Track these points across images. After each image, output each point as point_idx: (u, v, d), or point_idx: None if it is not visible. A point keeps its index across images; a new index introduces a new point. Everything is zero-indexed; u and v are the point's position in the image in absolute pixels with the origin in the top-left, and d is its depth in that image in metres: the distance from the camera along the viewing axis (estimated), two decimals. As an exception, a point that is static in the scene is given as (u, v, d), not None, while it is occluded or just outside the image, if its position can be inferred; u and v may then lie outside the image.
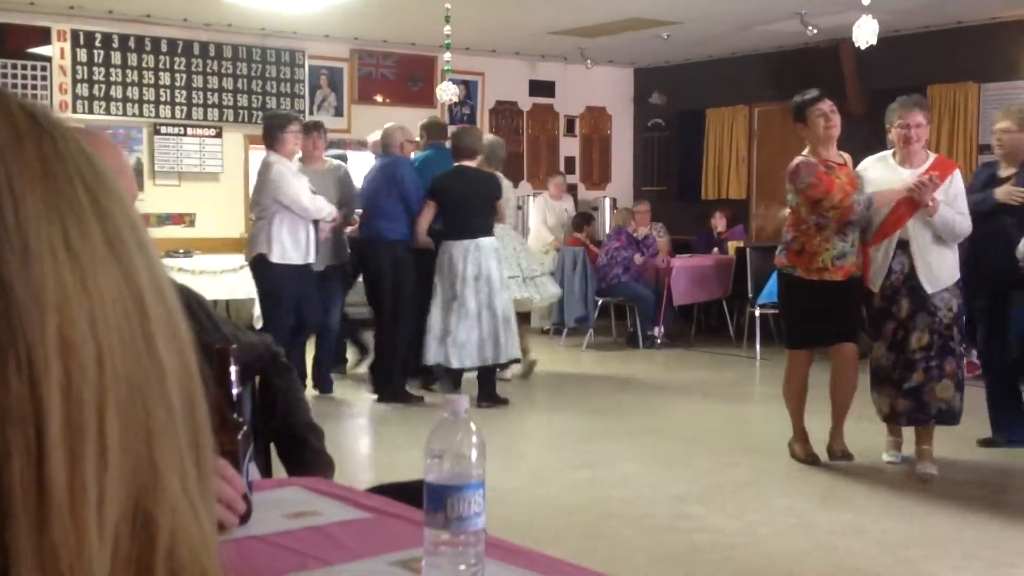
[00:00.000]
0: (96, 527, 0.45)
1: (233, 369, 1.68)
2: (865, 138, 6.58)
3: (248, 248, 6.67)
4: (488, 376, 6.88)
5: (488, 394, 6.84)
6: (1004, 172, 5.51)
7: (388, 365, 6.96)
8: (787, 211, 5.37)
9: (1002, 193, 5.36)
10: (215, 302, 7.56)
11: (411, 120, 10.02)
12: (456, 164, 6.88)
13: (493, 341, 6.75)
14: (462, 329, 6.70)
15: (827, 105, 5.09)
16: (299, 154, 6.86)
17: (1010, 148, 5.45)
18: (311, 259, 6.54)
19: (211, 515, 0.52)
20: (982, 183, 5.57)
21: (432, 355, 6.77)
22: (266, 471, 2.43)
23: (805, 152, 5.18)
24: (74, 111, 9.19)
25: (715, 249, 10.44)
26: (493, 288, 6.77)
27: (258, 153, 10.08)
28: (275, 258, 6.41)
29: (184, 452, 0.50)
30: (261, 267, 6.49)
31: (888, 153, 5.19)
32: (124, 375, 0.47)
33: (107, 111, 9.46)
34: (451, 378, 6.93)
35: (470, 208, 6.73)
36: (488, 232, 6.84)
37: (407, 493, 1.83)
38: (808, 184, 5.02)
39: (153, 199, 9.51)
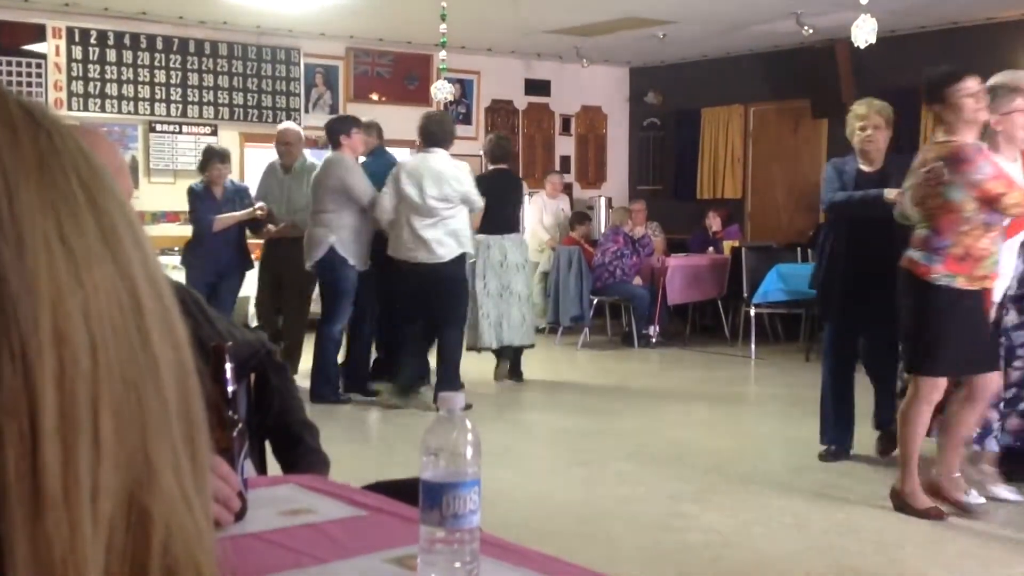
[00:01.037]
0: (90, 519, 0.45)
1: (229, 366, 1.68)
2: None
3: (445, 246, 6.58)
4: (519, 355, 7.83)
5: (516, 371, 7.78)
6: (869, 168, 5.23)
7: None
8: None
9: (896, 193, 4.81)
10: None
11: (406, 119, 10.04)
12: (494, 167, 7.61)
13: (530, 323, 7.77)
14: (515, 311, 7.58)
15: (974, 83, 4.29)
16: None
17: (882, 146, 5.22)
18: None
19: (206, 510, 0.52)
20: (851, 182, 5.23)
21: (488, 339, 7.55)
22: (261, 469, 2.43)
23: (944, 138, 4.35)
24: (69, 108, 9.18)
25: (710, 249, 10.45)
26: (529, 276, 7.89)
27: (255, 151, 10.14)
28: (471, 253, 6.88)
29: (179, 446, 0.50)
30: (460, 263, 6.71)
31: (983, 145, 4.47)
32: (118, 368, 0.47)
33: (102, 108, 9.46)
34: (507, 358, 7.74)
35: (507, 207, 7.57)
36: (519, 228, 7.93)
37: (403, 491, 1.83)
38: (989, 176, 4.16)
39: (148, 197, 9.51)
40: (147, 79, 9.70)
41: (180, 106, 9.88)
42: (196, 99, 9.96)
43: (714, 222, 10.79)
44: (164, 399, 0.49)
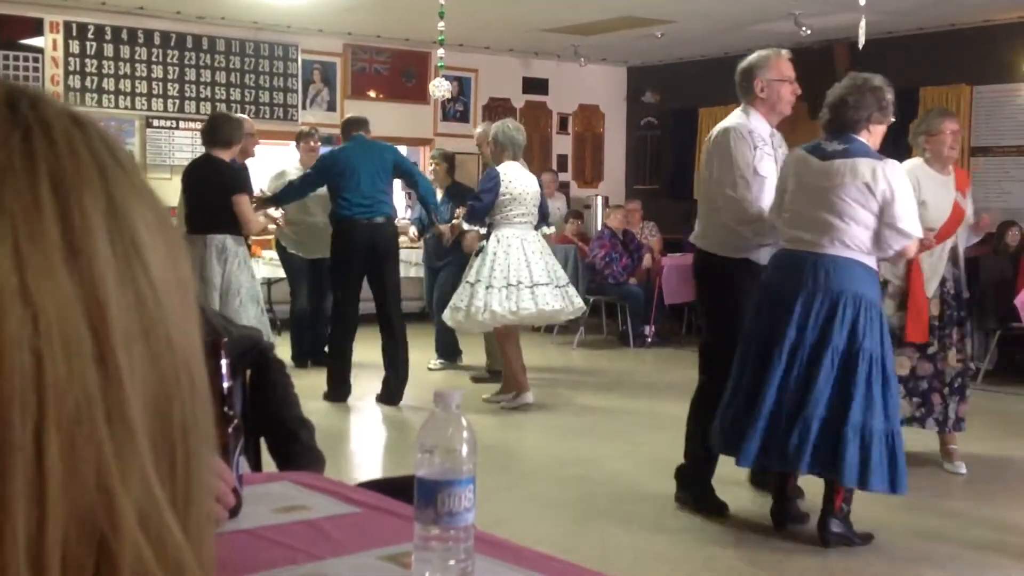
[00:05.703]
0: (24, 555, 0.42)
1: (224, 362, 1.68)
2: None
3: None
4: None
5: None
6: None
7: None
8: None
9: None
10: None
11: (403, 116, 10.04)
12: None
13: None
14: None
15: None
16: None
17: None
18: None
19: (199, 519, 0.49)
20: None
21: None
22: (256, 465, 2.43)
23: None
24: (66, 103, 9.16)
25: (706, 248, 10.44)
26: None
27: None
28: None
29: (148, 462, 0.46)
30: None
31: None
32: (68, 387, 0.43)
33: (99, 103, 9.44)
34: None
35: None
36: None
37: (397, 488, 1.83)
38: None
39: (144, 192, 9.49)
40: (144, 74, 9.69)
41: (177, 101, 9.87)
42: (193, 95, 9.95)
43: (710, 222, 10.77)
44: (126, 417, 0.45)
